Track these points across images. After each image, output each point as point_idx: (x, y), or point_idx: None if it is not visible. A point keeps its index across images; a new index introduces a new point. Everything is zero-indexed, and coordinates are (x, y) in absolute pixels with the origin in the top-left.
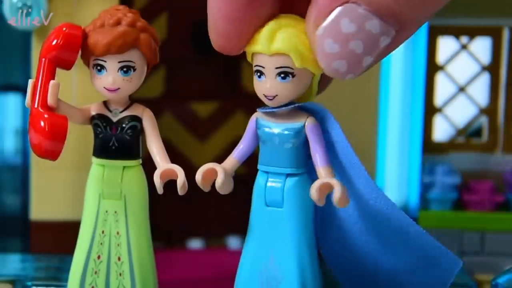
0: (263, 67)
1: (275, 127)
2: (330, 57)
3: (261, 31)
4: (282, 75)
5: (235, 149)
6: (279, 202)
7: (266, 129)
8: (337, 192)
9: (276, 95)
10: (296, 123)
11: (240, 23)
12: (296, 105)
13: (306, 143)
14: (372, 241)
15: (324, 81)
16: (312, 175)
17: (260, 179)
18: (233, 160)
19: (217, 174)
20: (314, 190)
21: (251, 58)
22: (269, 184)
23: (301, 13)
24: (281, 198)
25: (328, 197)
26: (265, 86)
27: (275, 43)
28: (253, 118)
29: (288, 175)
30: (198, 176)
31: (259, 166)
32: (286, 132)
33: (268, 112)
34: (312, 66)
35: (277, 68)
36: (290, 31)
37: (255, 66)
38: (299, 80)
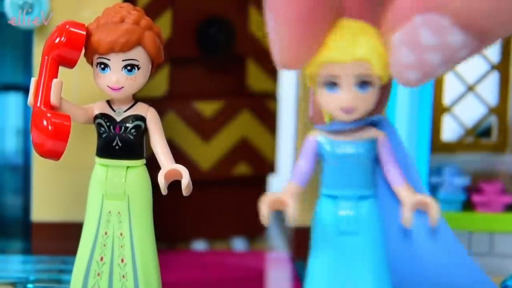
0: (338, 77)
1: (348, 146)
2: (404, 66)
3: (337, 36)
4: (362, 85)
5: (294, 174)
6: (355, 230)
7: (336, 149)
8: (435, 210)
9: (355, 108)
10: (368, 139)
11: (313, 26)
12: (372, 118)
13: (375, 160)
14: (420, 260)
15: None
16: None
17: (326, 205)
18: (298, 187)
19: (287, 205)
20: (408, 211)
21: (315, 69)
22: (341, 211)
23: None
24: (357, 225)
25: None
26: (341, 98)
27: (358, 49)
28: (311, 138)
29: (361, 197)
30: (264, 210)
31: (323, 191)
32: (361, 151)
33: (336, 130)
34: (385, 74)
35: (357, 76)
36: (370, 35)
37: (325, 76)
38: (375, 90)
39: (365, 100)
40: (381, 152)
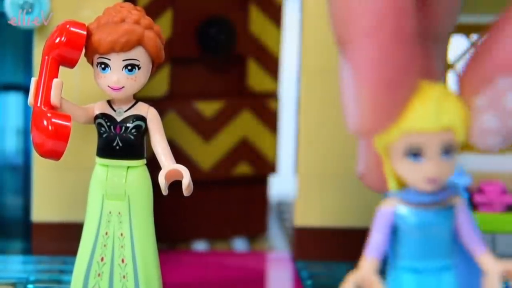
0: (423, 146)
1: (432, 216)
2: (486, 131)
3: (422, 103)
4: (447, 153)
5: (371, 248)
6: None
7: (420, 221)
8: None
9: (441, 178)
10: (449, 206)
11: (400, 91)
12: (451, 187)
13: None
14: None
15: None
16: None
17: (407, 279)
18: (376, 261)
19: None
20: (497, 279)
21: (396, 138)
22: (424, 284)
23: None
24: None
25: None
26: (426, 168)
27: (444, 117)
28: (387, 210)
29: (443, 268)
30: None
31: (401, 263)
32: (446, 220)
33: (422, 202)
34: (465, 140)
35: (442, 145)
36: (454, 101)
37: (408, 146)
38: (457, 156)
39: (449, 168)
40: (459, 218)
